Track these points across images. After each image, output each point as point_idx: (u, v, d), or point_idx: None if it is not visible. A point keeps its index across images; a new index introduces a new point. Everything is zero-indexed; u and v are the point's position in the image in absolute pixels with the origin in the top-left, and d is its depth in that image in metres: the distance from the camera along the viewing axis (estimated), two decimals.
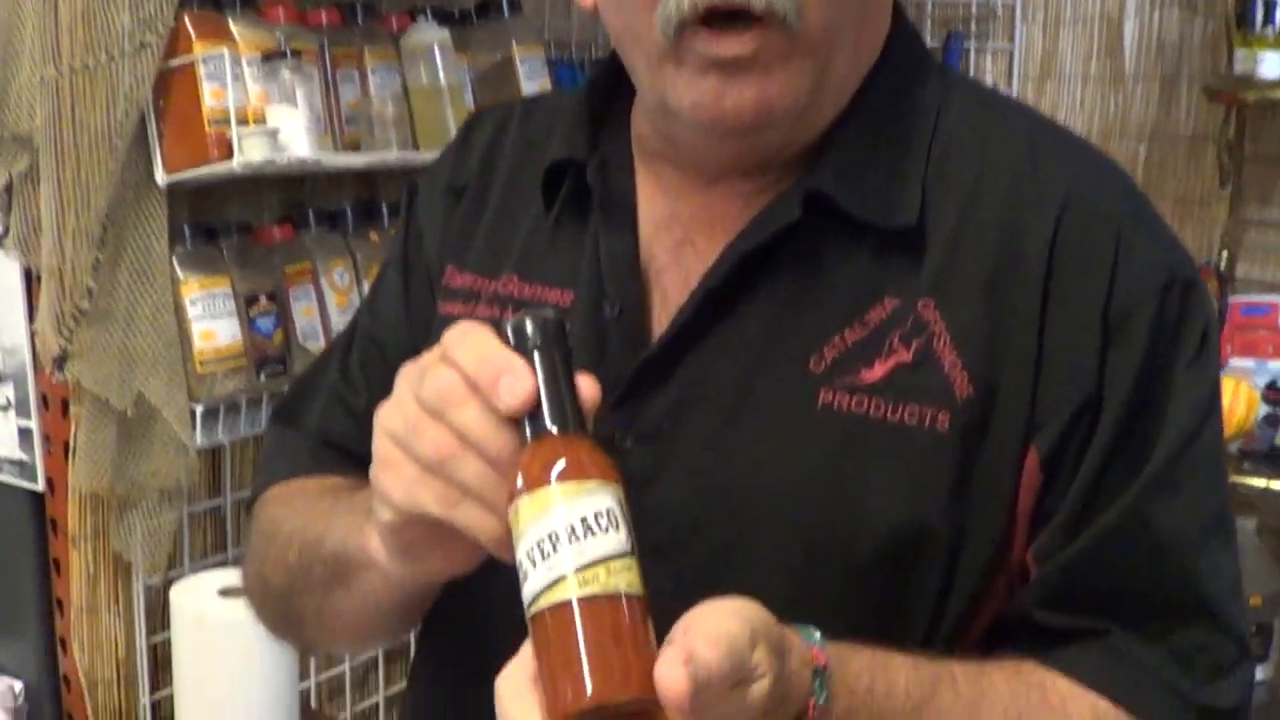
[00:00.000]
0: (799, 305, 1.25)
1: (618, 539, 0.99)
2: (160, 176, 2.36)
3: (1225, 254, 3.82)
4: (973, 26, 3.99)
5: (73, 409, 2.37)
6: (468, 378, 1.03)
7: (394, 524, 1.10)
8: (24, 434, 2.44)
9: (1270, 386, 3.58)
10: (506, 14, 2.89)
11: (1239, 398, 3.30)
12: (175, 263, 2.42)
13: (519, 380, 1.02)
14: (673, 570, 1.21)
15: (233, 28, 2.42)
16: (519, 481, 1.01)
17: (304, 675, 2.78)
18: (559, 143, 1.37)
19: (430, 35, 2.72)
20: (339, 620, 1.35)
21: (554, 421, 1.02)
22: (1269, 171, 3.85)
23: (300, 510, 1.39)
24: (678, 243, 1.32)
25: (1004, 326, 1.23)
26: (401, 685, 2.94)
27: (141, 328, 2.36)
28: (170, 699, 2.57)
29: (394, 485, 1.08)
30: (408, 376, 1.08)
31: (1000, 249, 1.24)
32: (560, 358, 1.04)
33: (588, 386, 1.05)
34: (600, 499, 1.00)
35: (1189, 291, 1.25)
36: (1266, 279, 3.85)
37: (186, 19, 2.35)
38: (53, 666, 2.54)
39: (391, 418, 1.08)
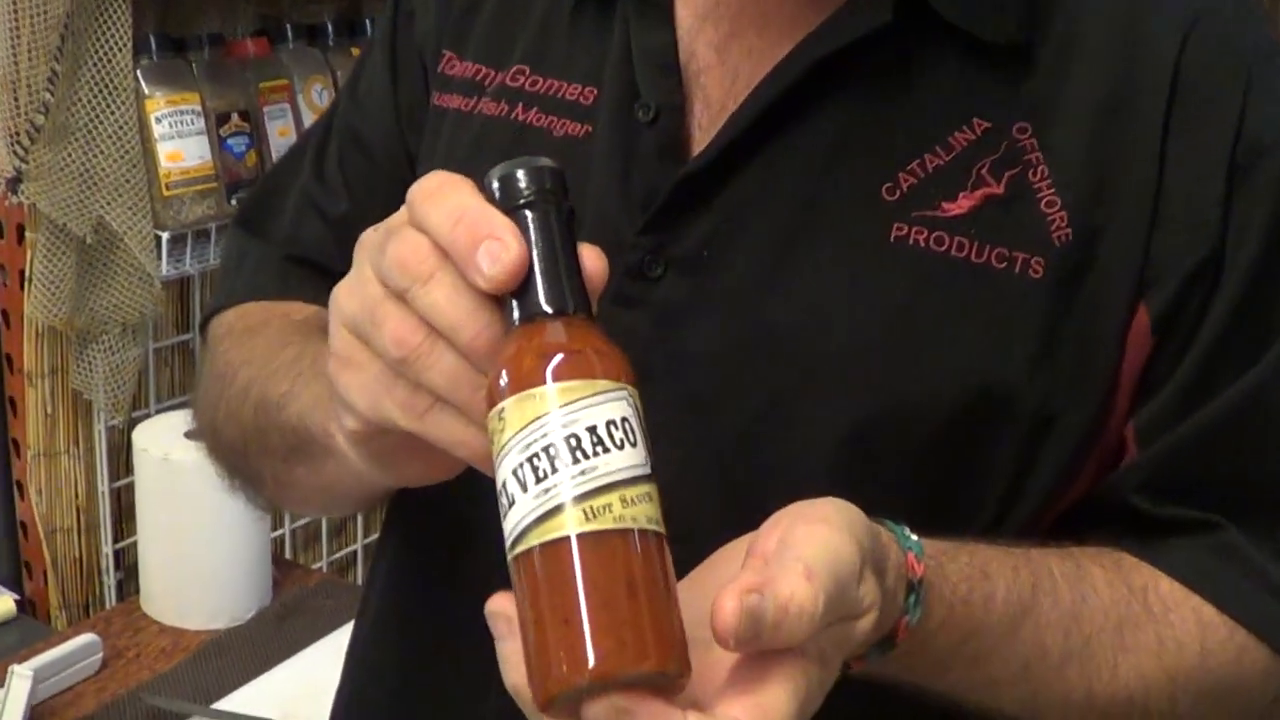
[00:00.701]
0: (874, 123, 1.07)
1: (635, 458, 0.76)
2: None
3: None
4: None
5: (28, 235, 2.23)
6: (438, 243, 0.81)
7: (360, 433, 0.90)
8: None
9: None
10: None
11: None
12: (140, 76, 2.26)
13: (505, 245, 0.80)
14: (705, 430, 1.06)
15: None
16: (503, 379, 0.78)
17: (277, 524, 2.66)
18: None
19: None
20: (301, 493, 1.17)
21: (550, 302, 0.79)
22: None
23: (260, 355, 1.19)
24: (725, 38, 1.12)
25: (1114, 162, 1.05)
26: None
27: (103, 147, 2.19)
28: (134, 548, 2.45)
29: (355, 389, 0.87)
30: (368, 245, 0.87)
31: (1115, 73, 1.06)
32: (559, 219, 0.81)
33: (593, 259, 0.83)
34: (613, 405, 0.77)
35: None
36: None
37: None
38: (9, 513, 2.42)
39: (349, 301, 0.87)
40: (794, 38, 1.08)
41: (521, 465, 0.75)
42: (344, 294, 0.87)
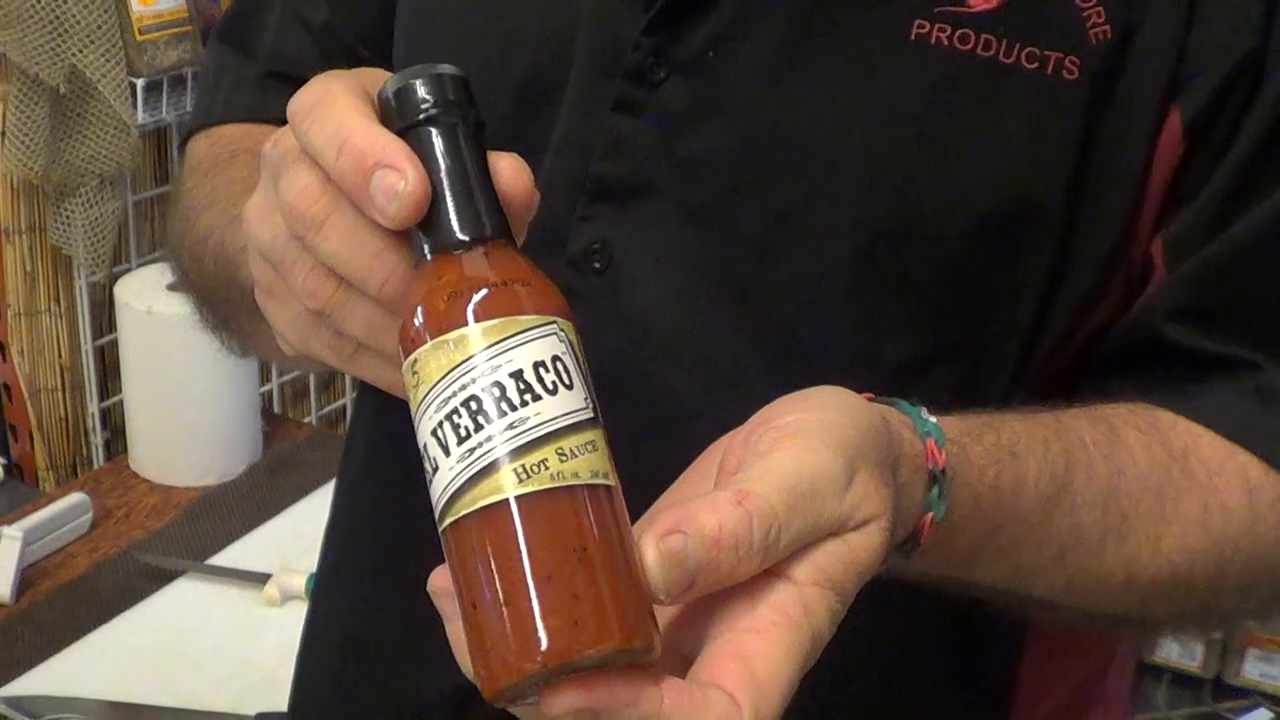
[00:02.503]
0: None
1: (571, 402, 0.67)
2: None
3: None
4: None
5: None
6: (326, 167, 0.72)
7: (299, 358, 0.84)
8: None
9: None
10: None
11: None
12: None
13: (401, 173, 0.70)
14: (715, 242, 1.00)
15: None
16: (415, 321, 0.68)
17: (265, 378, 2.62)
18: None
19: None
20: (267, 347, 1.07)
21: (464, 229, 0.70)
22: None
23: (221, 197, 1.12)
24: None
25: None
26: None
27: None
28: (120, 406, 2.43)
29: (282, 322, 0.81)
30: (269, 163, 0.78)
31: None
32: (467, 133, 0.71)
33: (513, 172, 0.73)
34: (542, 343, 0.67)
35: None
36: None
37: None
38: None
39: (261, 229, 0.79)
40: None
41: (441, 424, 0.66)
42: (254, 219, 0.79)
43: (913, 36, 0.97)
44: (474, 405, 0.65)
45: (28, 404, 2.35)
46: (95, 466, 2.44)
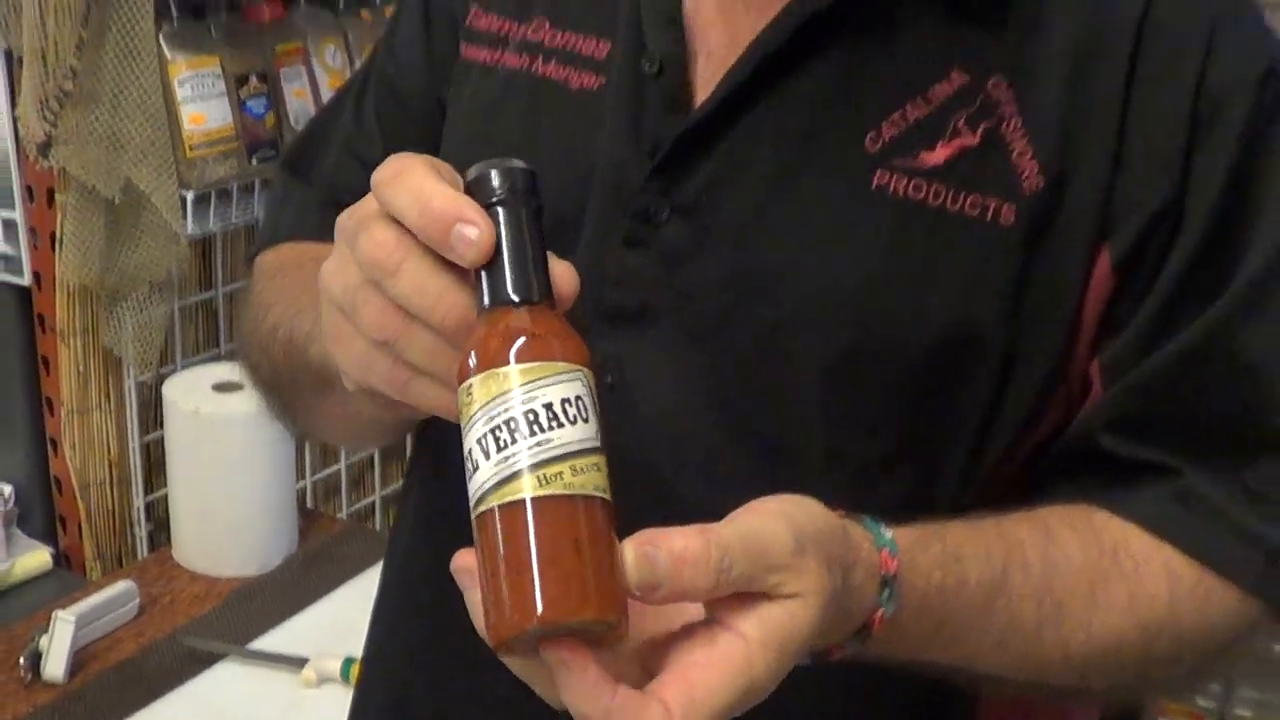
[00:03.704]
0: (859, 76, 1.13)
1: (587, 432, 0.84)
2: None
3: None
4: None
5: (58, 198, 2.27)
6: (410, 229, 0.87)
7: (358, 392, 0.98)
8: (8, 226, 2.33)
9: None
10: None
11: None
12: (162, 41, 2.30)
13: (477, 227, 0.85)
14: (709, 360, 1.13)
15: None
16: (472, 359, 0.85)
17: (299, 475, 2.71)
18: None
19: None
20: (329, 424, 1.28)
21: (516, 290, 0.86)
22: None
23: (288, 295, 1.26)
24: None
25: (1083, 111, 1.10)
26: (397, 485, 2.88)
27: (128, 110, 2.24)
28: (165, 500, 2.51)
29: (345, 361, 0.95)
30: (344, 230, 0.93)
31: (1086, 24, 1.11)
32: (529, 216, 0.88)
33: (565, 272, 0.89)
34: (568, 385, 0.84)
35: None
36: None
37: None
38: (43, 468, 2.47)
39: (333, 283, 0.93)
40: None
41: (485, 436, 0.83)
42: (328, 276, 0.94)
43: (874, 186, 1.11)
44: (512, 425, 0.83)
45: (77, 497, 2.43)
46: (139, 557, 2.52)
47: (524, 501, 0.82)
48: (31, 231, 2.33)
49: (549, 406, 0.83)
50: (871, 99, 1.12)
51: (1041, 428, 1.16)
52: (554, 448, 0.82)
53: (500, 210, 0.87)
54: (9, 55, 2.25)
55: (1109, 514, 1.14)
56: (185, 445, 2.41)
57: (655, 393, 1.15)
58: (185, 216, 2.34)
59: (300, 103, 2.50)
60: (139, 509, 2.53)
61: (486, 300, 0.86)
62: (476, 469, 0.83)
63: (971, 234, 1.10)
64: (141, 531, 2.55)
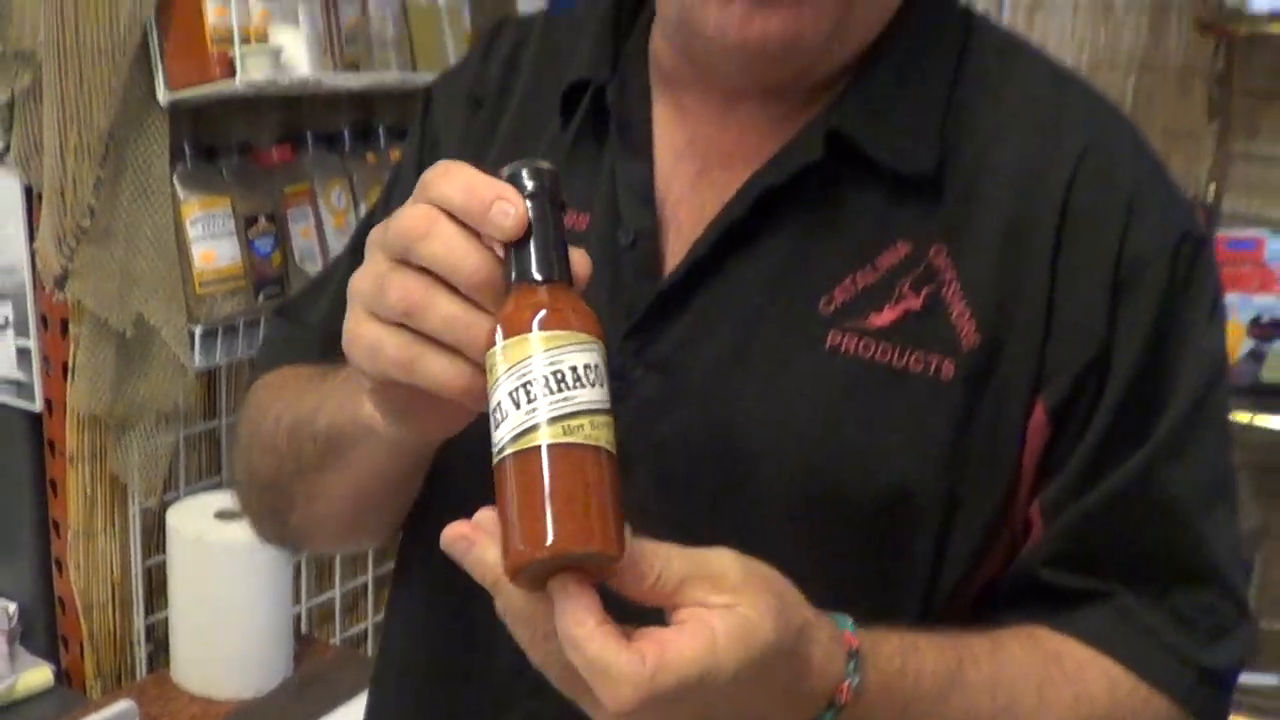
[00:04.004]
0: (813, 245, 1.24)
1: (600, 395, 0.95)
2: (163, 94, 2.35)
3: (1212, 187, 3.82)
4: None
5: (72, 329, 2.36)
6: (453, 210, 0.99)
7: (375, 390, 1.08)
8: (22, 354, 2.42)
9: (1255, 322, 3.59)
10: None
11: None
12: (176, 182, 2.41)
13: (513, 203, 0.98)
14: (677, 505, 1.21)
15: None
16: (499, 329, 0.96)
17: (295, 600, 2.78)
18: (580, 62, 1.35)
19: None
20: (330, 504, 1.33)
21: (540, 270, 0.98)
22: (1257, 105, 3.84)
23: (290, 392, 1.35)
24: (696, 173, 1.29)
25: (1016, 278, 1.21)
26: None
27: (142, 247, 2.35)
28: (165, 622, 2.58)
29: (359, 353, 1.05)
30: (376, 239, 1.04)
31: (1017, 197, 1.22)
32: (552, 208, 1.00)
33: (580, 257, 1.01)
34: (585, 353, 0.96)
35: (1200, 250, 1.24)
36: (1253, 213, 3.84)
37: None
38: (48, 588, 2.54)
39: (361, 279, 1.04)
40: (753, 171, 1.25)
41: (515, 390, 0.94)
42: (357, 280, 1.05)
43: (828, 345, 1.21)
44: (533, 384, 0.94)
45: (80, 617, 2.50)
46: (138, 677, 2.58)
47: (539, 447, 0.93)
48: (45, 359, 2.41)
49: (572, 368, 0.94)
50: (824, 267, 1.23)
51: (989, 565, 1.26)
52: (574, 404, 0.94)
53: (530, 202, 0.98)
54: (29, 191, 2.35)
55: (1050, 630, 1.24)
56: (187, 570, 2.49)
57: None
58: (193, 350, 2.43)
59: (306, 242, 2.59)
60: (139, 630, 2.60)
61: (514, 277, 0.98)
62: (505, 419, 0.94)
63: (916, 387, 1.20)
64: (141, 652, 2.61)
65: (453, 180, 1.00)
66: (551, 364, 0.94)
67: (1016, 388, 1.21)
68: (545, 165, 1.00)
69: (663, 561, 0.97)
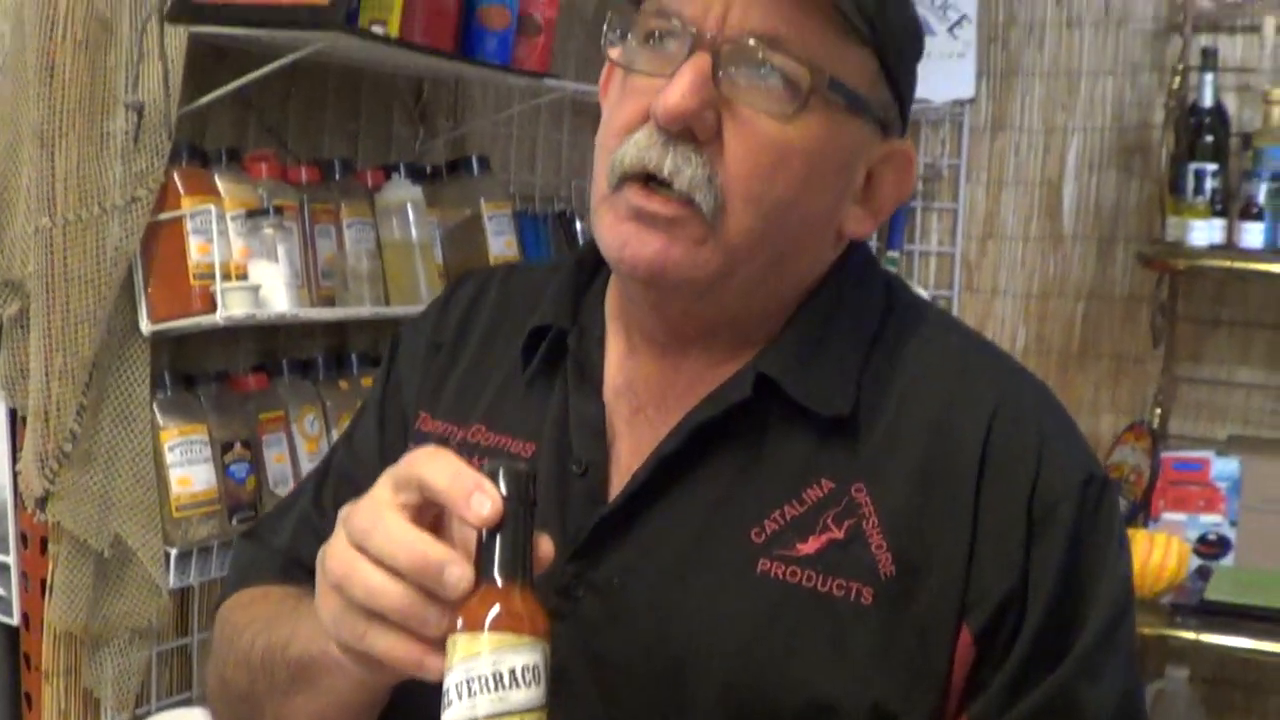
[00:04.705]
0: (745, 478, 1.36)
1: (534, 695, 1.09)
2: (145, 326, 2.44)
3: (1158, 411, 3.94)
4: (919, 186, 4.13)
5: (51, 548, 2.41)
6: (435, 488, 1.13)
7: (343, 651, 1.21)
8: (1, 570, 2.48)
9: (1201, 540, 3.70)
10: (476, 171, 3.02)
11: (1171, 552, 3.39)
12: (156, 409, 2.48)
13: (492, 499, 1.11)
14: (618, 716, 1.34)
15: (219, 184, 2.52)
16: (459, 620, 1.10)
17: None
18: (545, 310, 1.49)
19: (404, 193, 2.85)
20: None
21: (501, 571, 1.11)
22: (1200, 331, 3.97)
23: (264, 614, 1.46)
24: (633, 411, 1.43)
25: (934, 514, 1.34)
26: None
27: (122, 472, 2.42)
28: None
29: (325, 617, 1.20)
30: (344, 518, 1.20)
31: (933, 445, 1.36)
32: (525, 511, 1.12)
33: (545, 545, 1.15)
34: (527, 654, 1.09)
35: (1105, 490, 1.39)
36: (1198, 434, 3.97)
37: (175, 175, 2.45)
38: None
39: (332, 563, 1.19)
40: (680, 414, 1.38)
41: (460, 682, 1.08)
42: (328, 558, 1.20)
43: (758, 571, 1.34)
44: (480, 679, 1.08)
45: None
46: None
47: None
48: (23, 575, 2.47)
49: (511, 671, 1.08)
50: (755, 499, 1.36)
51: None
52: (508, 705, 1.08)
53: (506, 503, 1.11)
54: (13, 414, 2.43)
55: None
56: None
57: None
58: (168, 571, 2.48)
59: (280, 467, 2.67)
60: None
61: (481, 574, 1.11)
62: (451, 705, 1.09)
63: (838, 610, 1.32)
64: None
65: (438, 464, 1.14)
66: (494, 665, 1.08)
67: (942, 612, 1.32)
68: (523, 467, 1.13)
69: None
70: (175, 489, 2.49)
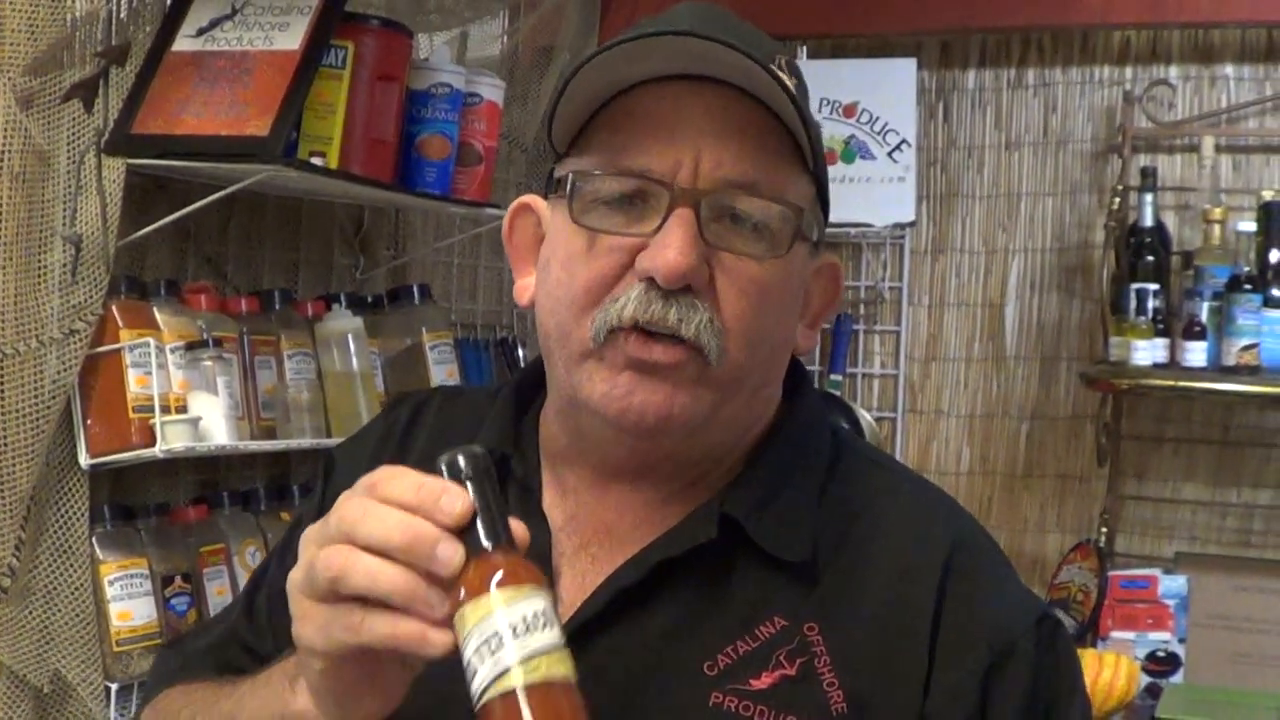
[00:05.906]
0: (700, 613, 1.38)
1: (554, 634, 1.13)
2: (84, 459, 2.44)
3: (1104, 530, 3.95)
4: (861, 310, 4.17)
5: None
6: (405, 505, 1.16)
7: (326, 670, 1.20)
8: None
9: (1150, 658, 3.70)
10: (417, 300, 3.03)
11: (1120, 670, 3.39)
12: (95, 543, 2.47)
13: (458, 498, 1.15)
14: None
15: (158, 316, 2.52)
16: (461, 594, 1.13)
17: None
18: (487, 435, 1.50)
19: (345, 323, 2.85)
20: None
21: (488, 539, 1.15)
22: (1144, 448, 4.00)
23: (200, 697, 1.46)
24: (575, 548, 1.44)
25: (889, 653, 1.36)
26: None
27: (61, 606, 2.40)
28: None
29: (310, 634, 1.19)
30: (308, 537, 1.22)
31: (892, 586, 1.39)
32: (489, 484, 1.17)
33: (516, 523, 1.18)
34: (536, 601, 1.13)
35: (1059, 627, 1.42)
36: (1145, 552, 3.98)
37: (114, 307, 2.45)
38: None
39: (294, 573, 1.21)
40: (629, 548, 1.40)
41: (481, 645, 1.11)
42: (292, 575, 1.22)
43: (711, 703, 1.35)
44: (499, 635, 1.11)
45: None
46: None
47: (515, 689, 1.10)
48: None
49: (525, 618, 1.12)
50: (709, 634, 1.37)
51: None
52: (533, 646, 1.11)
53: (470, 484, 1.17)
54: None
55: None
56: None
57: None
58: (109, 706, 2.45)
59: (221, 600, 2.64)
60: None
61: (469, 549, 1.15)
62: (475, 673, 1.12)
63: None
64: None
65: (402, 481, 1.17)
66: (508, 617, 1.11)
67: None
68: (477, 450, 1.18)
69: None
70: (115, 623, 2.47)
